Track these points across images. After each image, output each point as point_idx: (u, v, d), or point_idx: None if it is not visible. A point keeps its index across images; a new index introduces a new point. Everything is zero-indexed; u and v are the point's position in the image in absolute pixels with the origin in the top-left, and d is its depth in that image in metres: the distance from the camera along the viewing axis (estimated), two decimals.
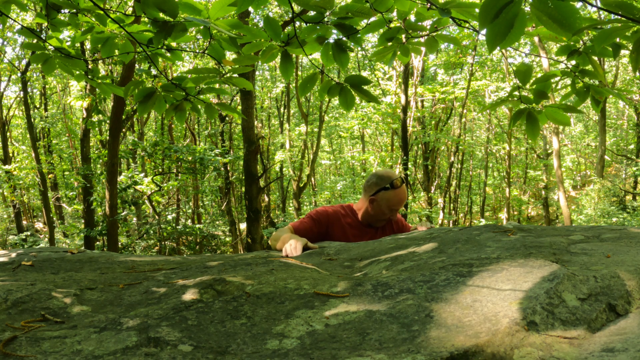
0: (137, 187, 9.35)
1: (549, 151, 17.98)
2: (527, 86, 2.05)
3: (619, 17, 0.99)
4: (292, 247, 2.03)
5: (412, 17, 2.04)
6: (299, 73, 14.25)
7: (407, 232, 2.73)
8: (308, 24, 1.83)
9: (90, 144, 12.29)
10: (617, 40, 1.68)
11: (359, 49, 13.84)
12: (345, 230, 2.58)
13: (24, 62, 12.71)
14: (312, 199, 17.54)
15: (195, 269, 1.65)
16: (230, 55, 2.21)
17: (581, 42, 1.96)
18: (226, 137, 15.57)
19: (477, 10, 1.51)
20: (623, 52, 1.77)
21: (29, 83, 13.31)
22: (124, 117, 8.30)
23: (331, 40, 1.91)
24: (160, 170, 12.24)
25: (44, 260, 1.85)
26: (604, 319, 1.05)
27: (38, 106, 17.79)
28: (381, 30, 2.02)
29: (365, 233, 2.61)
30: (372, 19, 1.89)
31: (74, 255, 1.97)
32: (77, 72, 2.29)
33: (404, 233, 2.41)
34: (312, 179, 16.91)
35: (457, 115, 16.95)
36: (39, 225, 18.20)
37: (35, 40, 2.15)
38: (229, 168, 14.23)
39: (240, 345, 1.03)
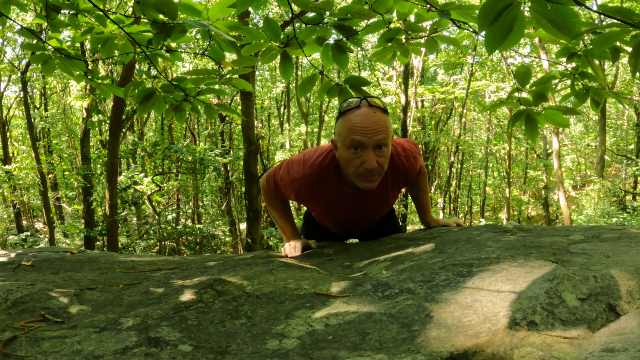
0: (137, 187, 9.36)
1: (549, 151, 18.00)
2: (527, 87, 2.06)
3: (618, 22, 0.99)
4: (291, 247, 2.02)
5: (412, 18, 2.04)
6: (299, 73, 14.26)
7: (412, 176, 2.03)
8: (308, 25, 1.83)
9: (90, 144, 12.29)
10: (617, 44, 1.68)
11: (359, 49, 13.85)
12: (326, 202, 1.97)
13: (24, 62, 12.72)
14: None
15: (195, 269, 1.65)
16: (230, 56, 2.21)
17: (582, 43, 1.96)
18: (226, 137, 15.58)
19: (476, 12, 1.51)
20: (626, 48, 1.77)
21: (29, 83, 13.32)
22: (124, 117, 8.30)
23: (331, 41, 1.91)
24: (160, 170, 12.25)
25: (44, 260, 1.86)
26: (604, 319, 1.05)
27: (38, 106, 17.80)
28: (381, 31, 2.03)
29: (358, 201, 1.96)
30: (373, 19, 1.89)
31: (74, 255, 1.98)
32: (77, 73, 2.29)
33: (404, 234, 2.29)
34: None
35: (457, 115, 16.96)
36: (39, 225, 18.21)
37: (35, 41, 2.15)
38: (229, 168, 14.24)
39: (240, 345, 1.03)
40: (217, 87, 2.09)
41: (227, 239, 13.74)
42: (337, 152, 1.77)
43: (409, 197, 12.19)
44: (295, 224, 2.18)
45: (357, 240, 2.36)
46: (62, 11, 2.00)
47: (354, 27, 1.82)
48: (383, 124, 1.69)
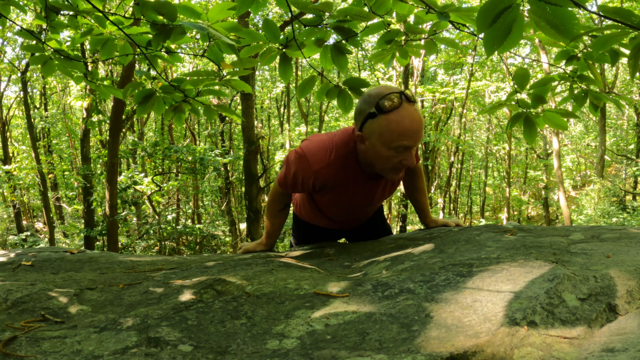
0: (137, 187, 9.36)
1: (549, 151, 18.00)
2: (527, 87, 2.06)
3: (617, 23, 0.99)
4: (250, 245, 2.16)
5: (411, 19, 2.04)
6: (299, 73, 14.26)
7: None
8: (307, 27, 1.83)
9: (90, 144, 12.30)
10: (617, 46, 1.68)
11: (359, 49, 13.85)
12: (342, 189, 1.90)
13: (24, 62, 12.73)
14: None
15: (195, 269, 1.65)
16: (230, 57, 2.21)
17: (581, 45, 1.96)
18: (226, 137, 15.59)
19: (475, 14, 1.51)
20: (624, 51, 1.78)
21: (29, 83, 13.33)
22: (124, 117, 8.31)
23: (331, 42, 1.91)
24: (160, 170, 12.25)
25: (44, 260, 1.86)
26: (604, 318, 1.05)
27: (38, 106, 17.82)
28: (381, 32, 2.03)
29: (371, 186, 1.93)
30: (374, 20, 1.89)
31: (74, 255, 1.98)
32: (76, 74, 2.29)
33: (404, 234, 2.35)
34: None
35: (457, 115, 16.97)
36: (39, 225, 18.21)
37: (34, 42, 2.15)
38: (229, 168, 14.25)
39: (240, 345, 1.04)
40: (216, 88, 2.09)
41: (227, 239, 13.74)
42: (363, 145, 1.71)
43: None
44: (276, 237, 2.18)
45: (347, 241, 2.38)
46: (62, 12, 2.00)
47: (353, 29, 1.82)
48: (422, 122, 1.68)
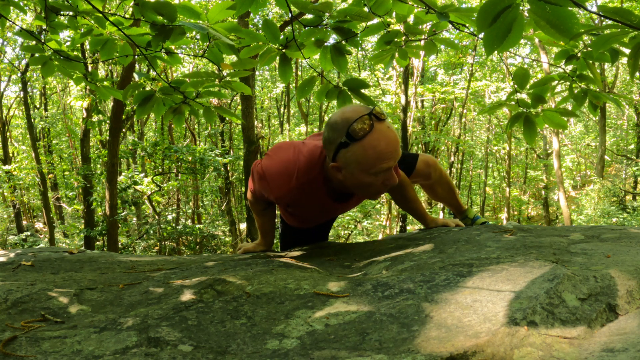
0: (137, 187, 9.37)
1: (549, 151, 18.00)
2: (527, 87, 2.06)
3: (616, 23, 0.99)
4: (250, 246, 2.15)
5: (411, 19, 2.04)
6: (299, 73, 14.26)
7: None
8: (307, 27, 1.83)
9: (90, 144, 12.30)
10: (617, 46, 1.69)
11: (359, 49, 13.83)
12: (307, 207, 1.87)
13: (24, 62, 12.73)
14: None
15: (195, 269, 1.65)
16: (230, 58, 2.21)
17: (581, 44, 1.96)
18: (226, 137, 15.59)
19: (475, 14, 1.51)
20: (624, 50, 1.78)
21: (29, 83, 13.34)
22: (124, 117, 8.31)
23: (331, 42, 1.91)
24: (160, 170, 12.24)
25: (44, 260, 1.86)
26: (604, 318, 1.05)
27: (38, 106, 17.82)
28: (381, 32, 2.03)
29: (338, 204, 1.90)
30: (374, 21, 1.89)
31: (74, 255, 1.98)
32: (76, 75, 2.29)
33: (404, 234, 2.34)
34: None
35: (457, 115, 16.97)
36: (39, 225, 18.21)
37: (34, 42, 2.15)
38: (229, 168, 14.24)
39: (240, 345, 1.04)
40: (216, 89, 2.09)
41: (227, 239, 13.74)
42: (340, 175, 1.62)
43: None
44: (272, 235, 2.16)
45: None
46: (62, 13, 2.00)
47: (353, 30, 1.82)
48: (398, 139, 1.59)
